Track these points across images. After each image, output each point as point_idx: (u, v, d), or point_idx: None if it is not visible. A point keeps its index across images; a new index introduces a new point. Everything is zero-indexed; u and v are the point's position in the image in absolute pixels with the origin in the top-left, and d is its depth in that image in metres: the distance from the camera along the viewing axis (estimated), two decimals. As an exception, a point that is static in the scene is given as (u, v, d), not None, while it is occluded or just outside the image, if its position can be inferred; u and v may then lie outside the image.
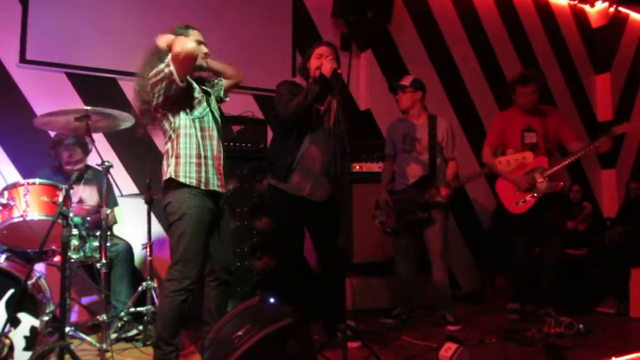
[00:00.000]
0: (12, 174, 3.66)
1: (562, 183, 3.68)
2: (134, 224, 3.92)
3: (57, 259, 3.01)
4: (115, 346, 2.90)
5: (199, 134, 2.49)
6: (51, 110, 2.75)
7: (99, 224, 2.92)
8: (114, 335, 3.03)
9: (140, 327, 3.14)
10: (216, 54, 2.76)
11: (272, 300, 2.22)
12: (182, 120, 2.49)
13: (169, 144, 2.51)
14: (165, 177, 2.47)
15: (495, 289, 4.83)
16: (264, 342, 2.01)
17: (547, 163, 3.65)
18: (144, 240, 3.38)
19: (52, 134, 3.59)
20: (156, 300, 3.20)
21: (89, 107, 2.66)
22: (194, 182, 2.44)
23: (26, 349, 2.51)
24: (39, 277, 2.72)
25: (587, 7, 6.55)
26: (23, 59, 3.78)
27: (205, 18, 4.26)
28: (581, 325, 3.26)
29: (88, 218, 3.08)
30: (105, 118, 2.83)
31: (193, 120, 2.49)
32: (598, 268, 4.41)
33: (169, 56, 2.37)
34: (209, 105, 2.59)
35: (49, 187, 2.78)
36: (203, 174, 2.46)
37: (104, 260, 2.86)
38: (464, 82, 5.58)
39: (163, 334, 2.42)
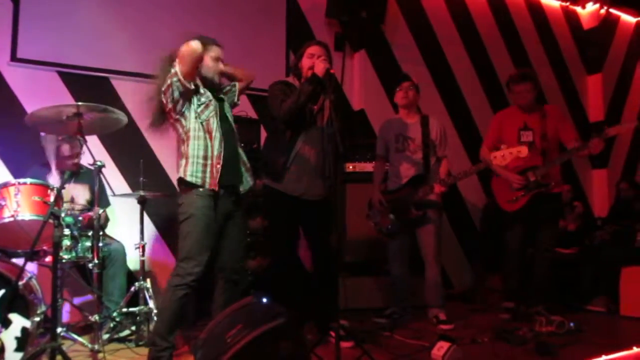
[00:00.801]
0: (2, 174, 3.64)
1: (554, 182, 3.70)
2: (127, 225, 3.91)
3: (48, 259, 2.99)
4: (107, 347, 2.89)
5: (206, 136, 2.59)
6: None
7: (92, 223, 2.91)
8: (106, 336, 3.01)
9: (133, 328, 3.13)
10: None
11: (265, 300, 2.22)
12: (192, 123, 2.60)
13: (182, 147, 2.63)
14: (177, 176, 2.61)
15: (488, 288, 4.86)
16: (257, 341, 2.01)
17: (541, 162, 3.67)
18: (137, 240, 3.37)
19: (42, 134, 3.56)
20: (149, 301, 3.19)
21: (80, 103, 2.64)
22: (199, 181, 2.55)
23: (17, 350, 2.49)
24: (30, 278, 2.68)
25: (578, 9, 6.60)
26: (14, 58, 3.76)
27: (199, 17, 4.26)
28: (572, 324, 3.29)
29: (80, 218, 3.06)
30: (98, 114, 2.79)
31: (201, 123, 2.60)
32: (589, 267, 4.45)
33: (177, 60, 2.50)
34: (217, 109, 2.66)
35: (40, 186, 2.76)
36: (208, 175, 2.57)
37: (96, 261, 2.84)
38: (457, 82, 5.60)
39: (160, 329, 2.50)
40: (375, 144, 4.02)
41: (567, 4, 6.48)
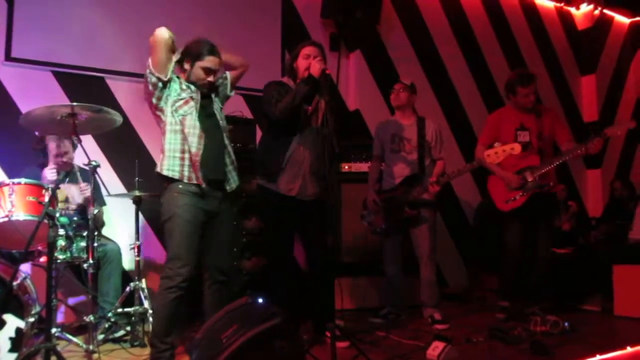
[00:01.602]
0: (-3, 174, 3.63)
1: (552, 182, 3.71)
2: (122, 225, 3.90)
3: (43, 259, 2.98)
4: (102, 347, 2.88)
5: (183, 130, 2.55)
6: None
7: (86, 223, 2.90)
8: (101, 337, 2.99)
9: (128, 328, 3.12)
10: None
11: (260, 300, 2.22)
12: (169, 117, 2.58)
13: (162, 140, 2.60)
14: (155, 170, 2.59)
15: (483, 287, 4.87)
16: (253, 342, 2.01)
17: (538, 162, 3.68)
18: (132, 240, 3.36)
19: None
20: (144, 301, 3.18)
21: (75, 103, 2.63)
22: (177, 175, 2.52)
23: (11, 350, 2.47)
24: (24, 278, 2.67)
25: (573, 10, 6.64)
26: (8, 57, 3.74)
27: (195, 17, 4.25)
28: (566, 324, 3.30)
29: (75, 218, 3.05)
30: (93, 114, 2.77)
31: (178, 117, 2.56)
32: (583, 267, 4.47)
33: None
34: (198, 106, 2.61)
35: (34, 186, 2.75)
36: (186, 169, 2.54)
37: (91, 261, 2.83)
38: (451, 82, 5.62)
39: (157, 331, 2.49)
40: (370, 144, 4.03)
41: (562, 4, 6.52)
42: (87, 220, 2.82)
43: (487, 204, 4.18)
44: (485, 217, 5.06)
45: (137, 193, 3.31)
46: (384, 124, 3.93)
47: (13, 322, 2.50)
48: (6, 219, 2.63)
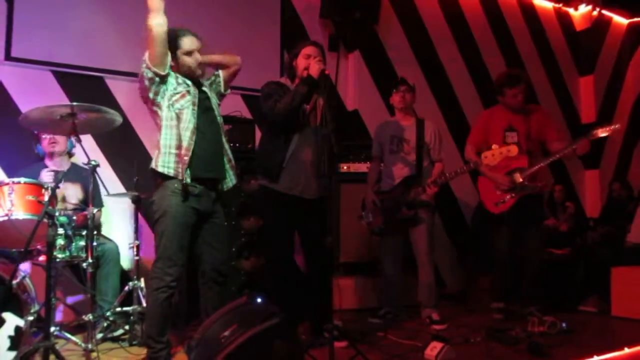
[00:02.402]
0: (-4, 173, 3.63)
1: (540, 184, 3.71)
2: (120, 224, 3.90)
3: (42, 258, 2.99)
4: (101, 346, 2.89)
5: (179, 125, 2.52)
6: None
7: (85, 223, 2.90)
8: (99, 335, 3.00)
9: (127, 327, 3.13)
10: (204, 54, 2.76)
11: (259, 300, 2.22)
12: (165, 112, 2.54)
13: (158, 136, 2.57)
14: (150, 167, 2.56)
15: (480, 287, 4.88)
16: (251, 342, 2.02)
17: (527, 163, 3.67)
18: (131, 240, 3.36)
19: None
20: (143, 300, 3.19)
21: (75, 103, 2.63)
22: (171, 172, 2.48)
23: (10, 348, 2.48)
24: (23, 277, 2.69)
25: (571, 10, 6.65)
26: (8, 57, 3.74)
27: (194, 18, 4.22)
28: (564, 324, 3.31)
29: (74, 217, 3.05)
30: (93, 114, 2.78)
31: (174, 112, 2.53)
32: (580, 267, 4.48)
33: None
34: (195, 100, 2.59)
35: (34, 186, 2.75)
36: (181, 166, 2.49)
37: (90, 260, 2.84)
38: (450, 82, 5.63)
39: (150, 332, 2.47)
40: (369, 145, 4.04)
41: (560, 5, 6.52)
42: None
43: (480, 203, 4.19)
44: (483, 218, 5.07)
45: (136, 193, 3.31)
46: (383, 125, 3.94)
47: (12, 321, 2.51)
48: (6, 218, 2.63)
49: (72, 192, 3.47)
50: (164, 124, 2.53)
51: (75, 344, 2.75)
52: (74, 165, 3.55)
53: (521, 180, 3.64)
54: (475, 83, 5.76)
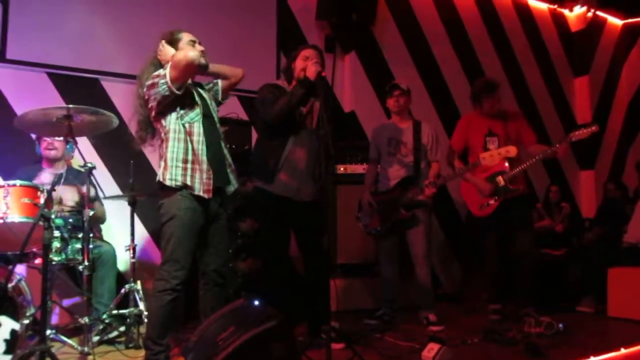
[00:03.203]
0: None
1: (522, 187, 3.77)
2: (117, 226, 3.89)
3: (38, 261, 2.97)
4: (97, 349, 2.87)
5: (187, 138, 2.50)
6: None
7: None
8: (96, 338, 2.99)
9: (123, 330, 3.12)
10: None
11: (256, 302, 2.22)
12: (172, 124, 2.51)
13: (162, 147, 2.54)
14: (157, 179, 2.52)
15: (477, 288, 4.89)
16: (249, 344, 2.01)
17: (507, 167, 3.72)
18: (128, 242, 3.35)
19: (33, 136, 3.55)
20: (139, 303, 3.18)
21: (71, 105, 2.62)
22: (179, 184, 2.46)
23: (6, 352, 2.47)
24: (19, 280, 2.67)
25: (566, 11, 6.68)
26: (3, 58, 3.72)
27: (190, 19, 4.23)
28: (560, 325, 3.32)
29: (70, 220, 3.04)
30: (89, 116, 2.77)
31: (183, 125, 2.50)
32: (576, 268, 4.49)
33: (170, 63, 2.41)
34: (203, 111, 2.58)
35: (29, 188, 2.72)
36: (189, 179, 2.47)
37: (86, 263, 2.83)
38: (446, 83, 5.64)
39: (151, 334, 2.45)
40: (365, 146, 4.04)
41: (555, 6, 6.55)
42: (82, 222, 2.81)
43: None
44: (472, 221, 5.08)
45: (132, 194, 3.30)
46: (380, 127, 3.96)
47: (8, 324, 2.50)
48: (1, 221, 2.61)
49: (68, 195, 3.46)
50: (171, 136, 2.49)
51: (72, 347, 2.74)
52: (70, 168, 3.53)
53: (503, 183, 3.69)
54: (471, 84, 5.74)
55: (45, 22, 3.84)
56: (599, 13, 6.68)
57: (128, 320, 3.14)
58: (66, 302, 3.54)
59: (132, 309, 3.16)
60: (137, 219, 3.58)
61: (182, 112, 2.51)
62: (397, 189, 3.70)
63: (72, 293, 3.51)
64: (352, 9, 4.80)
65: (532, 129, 4.03)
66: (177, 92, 2.43)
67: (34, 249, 2.89)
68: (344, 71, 5.15)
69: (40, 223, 2.39)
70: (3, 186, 2.67)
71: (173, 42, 2.57)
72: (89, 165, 2.82)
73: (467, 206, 3.94)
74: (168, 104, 2.48)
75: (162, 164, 2.51)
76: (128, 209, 3.37)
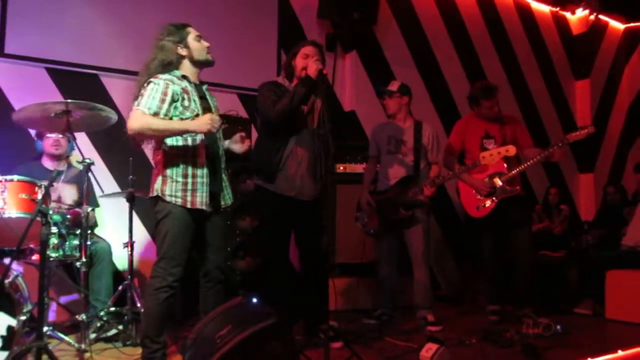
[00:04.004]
0: (-11, 171, 3.59)
1: (518, 187, 3.78)
2: (115, 223, 3.87)
3: (35, 257, 2.96)
4: (94, 346, 2.86)
5: (188, 152, 2.46)
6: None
7: (79, 222, 2.88)
8: (93, 335, 2.97)
9: (120, 327, 3.10)
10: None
11: (254, 300, 2.21)
12: (170, 139, 2.46)
13: (159, 157, 2.49)
14: (152, 194, 2.47)
15: (475, 289, 4.88)
16: (246, 342, 2.01)
17: (505, 168, 3.74)
18: (126, 239, 3.33)
19: (32, 132, 3.54)
20: (137, 300, 3.16)
21: (69, 101, 2.60)
22: (179, 201, 2.43)
23: (3, 349, 2.45)
24: (16, 276, 2.65)
25: (568, 14, 6.68)
26: (1, 53, 3.70)
27: (191, 17, 4.18)
28: (558, 326, 3.32)
29: (68, 216, 3.03)
30: (87, 111, 2.75)
31: (184, 138, 2.46)
32: (575, 270, 4.49)
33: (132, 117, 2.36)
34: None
35: (27, 184, 2.71)
36: (189, 194, 2.44)
37: (83, 259, 2.81)
38: (447, 83, 5.64)
39: (148, 332, 2.44)
40: (365, 146, 4.03)
41: (557, 9, 6.55)
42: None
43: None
44: (469, 222, 5.08)
45: (130, 191, 3.28)
46: (380, 126, 3.94)
47: (4, 321, 2.47)
48: (-2, 216, 2.60)
49: (67, 193, 3.45)
50: (169, 149, 2.44)
51: (69, 344, 2.73)
52: (70, 165, 3.52)
53: (501, 184, 3.70)
54: (471, 84, 5.75)
55: (44, 16, 3.82)
56: (600, 17, 6.67)
57: (125, 317, 3.13)
58: (63, 299, 3.52)
59: (129, 306, 3.14)
60: (135, 216, 3.57)
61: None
62: (396, 189, 3.70)
63: (69, 290, 3.49)
64: (354, 8, 4.79)
65: (528, 132, 4.05)
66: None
67: (31, 245, 2.88)
68: (344, 70, 5.13)
69: (38, 219, 2.38)
70: (0, 181, 2.66)
71: (178, 30, 2.52)
72: (88, 160, 2.80)
73: (464, 208, 3.95)
74: (168, 109, 2.42)
75: (160, 178, 2.45)
76: (126, 206, 3.35)
